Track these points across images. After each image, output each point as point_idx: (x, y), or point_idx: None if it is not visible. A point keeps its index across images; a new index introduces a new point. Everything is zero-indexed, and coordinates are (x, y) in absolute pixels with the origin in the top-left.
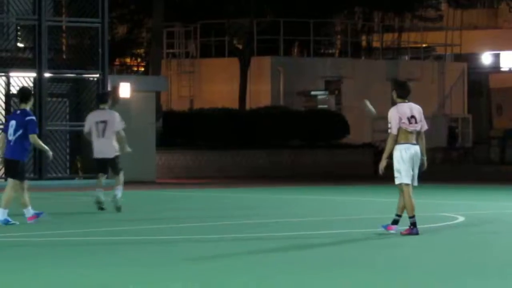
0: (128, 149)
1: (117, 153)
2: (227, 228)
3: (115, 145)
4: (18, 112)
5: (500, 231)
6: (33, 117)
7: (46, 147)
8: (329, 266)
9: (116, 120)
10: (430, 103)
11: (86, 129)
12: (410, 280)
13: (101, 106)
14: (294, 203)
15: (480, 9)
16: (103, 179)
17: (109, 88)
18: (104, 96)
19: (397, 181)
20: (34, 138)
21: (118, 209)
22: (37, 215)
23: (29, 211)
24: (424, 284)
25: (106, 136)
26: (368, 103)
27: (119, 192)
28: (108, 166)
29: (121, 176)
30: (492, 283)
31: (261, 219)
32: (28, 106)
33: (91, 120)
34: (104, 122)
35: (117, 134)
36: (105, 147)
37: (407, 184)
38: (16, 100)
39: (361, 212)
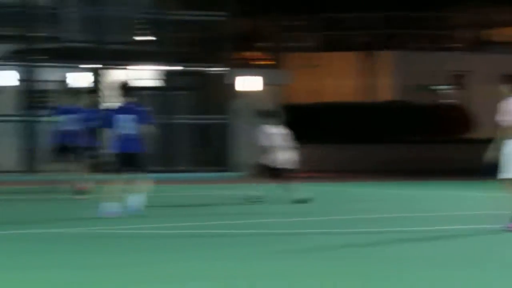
0: None
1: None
2: (345, 222)
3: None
4: (128, 105)
5: None
6: (145, 108)
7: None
8: (450, 263)
9: (288, 133)
10: None
11: (265, 142)
12: None
13: (270, 122)
14: (417, 198)
15: None
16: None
17: (230, 81)
18: (275, 113)
19: (502, 176)
20: (152, 128)
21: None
22: (114, 213)
23: (111, 206)
24: None
25: (286, 147)
26: None
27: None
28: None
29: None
30: None
31: (380, 213)
32: (131, 99)
33: (268, 133)
34: (281, 134)
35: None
36: (288, 157)
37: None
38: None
39: (485, 207)
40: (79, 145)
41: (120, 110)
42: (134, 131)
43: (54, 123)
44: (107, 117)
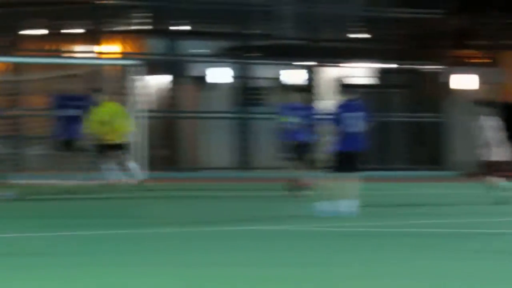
0: None
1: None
2: None
3: None
4: (353, 103)
5: None
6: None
7: None
8: None
9: (504, 127)
10: None
11: (483, 138)
12: None
13: (488, 115)
14: None
15: None
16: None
17: (445, 80)
18: (493, 106)
19: None
20: (371, 125)
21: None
22: (331, 212)
23: (328, 205)
24: None
25: (503, 142)
26: None
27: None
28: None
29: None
30: None
31: None
32: (353, 96)
33: (486, 128)
34: (499, 129)
35: None
36: (505, 151)
37: None
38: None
39: None
40: (306, 142)
41: (347, 108)
42: (360, 129)
43: (282, 122)
44: (333, 115)
